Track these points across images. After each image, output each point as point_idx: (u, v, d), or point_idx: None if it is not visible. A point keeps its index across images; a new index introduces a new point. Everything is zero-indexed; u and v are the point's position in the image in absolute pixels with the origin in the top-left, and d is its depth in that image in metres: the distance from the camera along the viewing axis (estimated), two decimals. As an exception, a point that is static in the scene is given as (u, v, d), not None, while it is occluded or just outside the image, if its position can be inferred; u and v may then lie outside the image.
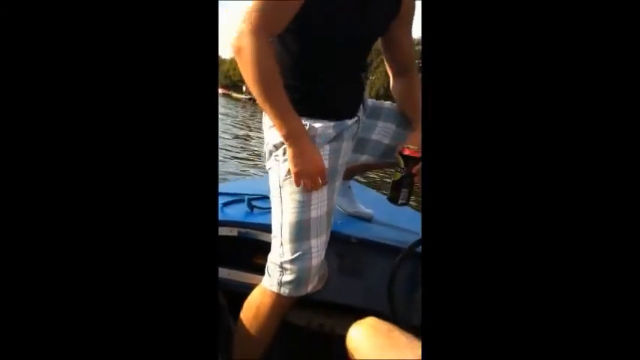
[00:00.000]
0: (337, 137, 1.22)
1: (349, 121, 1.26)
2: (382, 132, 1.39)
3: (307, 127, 1.16)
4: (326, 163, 1.19)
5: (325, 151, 1.20)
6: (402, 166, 1.24)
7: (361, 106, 1.32)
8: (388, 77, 1.39)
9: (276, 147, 1.19)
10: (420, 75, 1.33)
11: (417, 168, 1.23)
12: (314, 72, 1.19)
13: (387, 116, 1.39)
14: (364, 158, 1.41)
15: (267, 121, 1.21)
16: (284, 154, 1.17)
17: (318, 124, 1.18)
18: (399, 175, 1.25)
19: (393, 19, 1.25)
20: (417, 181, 1.24)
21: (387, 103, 1.43)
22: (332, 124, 1.20)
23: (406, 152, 1.24)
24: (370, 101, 1.40)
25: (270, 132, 1.21)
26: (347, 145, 1.26)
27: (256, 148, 9.37)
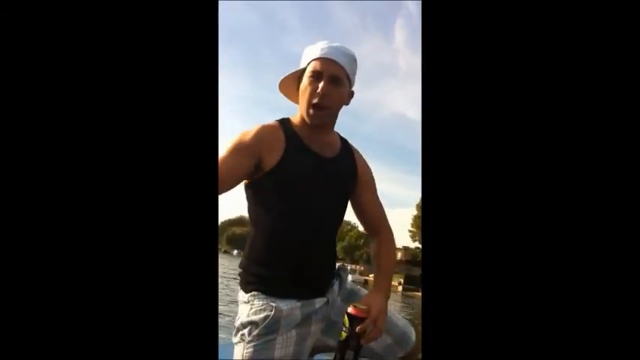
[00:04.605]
0: (305, 321, 1.22)
1: (318, 302, 1.25)
2: None
3: (273, 310, 1.17)
4: (291, 349, 1.19)
5: (292, 337, 1.20)
6: (347, 325, 1.15)
7: (335, 287, 1.33)
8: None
9: (244, 325, 1.21)
10: (392, 237, 1.43)
11: (362, 327, 1.14)
12: (283, 246, 1.22)
13: None
14: (332, 342, 1.32)
15: (242, 296, 1.25)
16: (249, 334, 1.18)
17: (284, 306, 1.19)
18: (344, 335, 1.16)
19: (353, 183, 1.36)
20: (364, 342, 1.15)
21: (364, 291, 1.40)
22: (299, 304, 1.21)
23: (351, 311, 1.15)
24: (350, 284, 1.39)
25: (243, 307, 1.23)
26: (315, 329, 1.26)
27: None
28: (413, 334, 1.44)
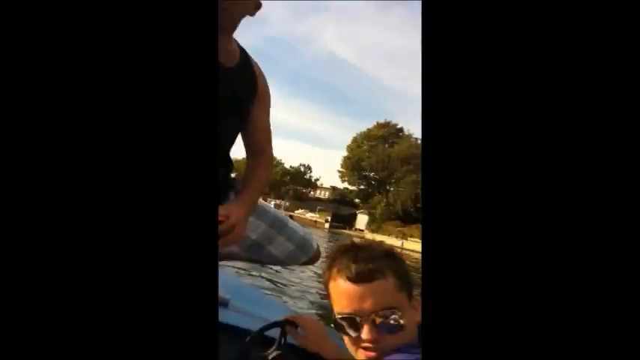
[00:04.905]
0: None
1: None
2: (251, 227, 1.33)
3: None
4: None
5: None
6: None
7: (231, 194, 1.33)
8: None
9: None
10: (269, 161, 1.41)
11: (219, 231, 1.13)
12: None
13: (259, 214, 1.38)
14: (230, 249, 1.36)
15: None
16: None
17: None
18: None
19: (252, 95, 1.29)
20: (221, 245, 1.13)
21: (260, 202, 1.40)
22: None
23: None
24: None
25: None
26: None
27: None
28: (314, 241, 1.53)
